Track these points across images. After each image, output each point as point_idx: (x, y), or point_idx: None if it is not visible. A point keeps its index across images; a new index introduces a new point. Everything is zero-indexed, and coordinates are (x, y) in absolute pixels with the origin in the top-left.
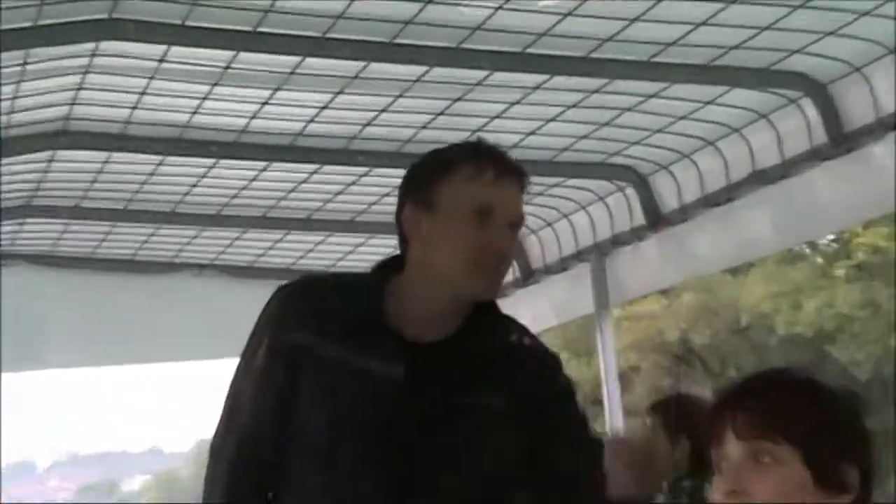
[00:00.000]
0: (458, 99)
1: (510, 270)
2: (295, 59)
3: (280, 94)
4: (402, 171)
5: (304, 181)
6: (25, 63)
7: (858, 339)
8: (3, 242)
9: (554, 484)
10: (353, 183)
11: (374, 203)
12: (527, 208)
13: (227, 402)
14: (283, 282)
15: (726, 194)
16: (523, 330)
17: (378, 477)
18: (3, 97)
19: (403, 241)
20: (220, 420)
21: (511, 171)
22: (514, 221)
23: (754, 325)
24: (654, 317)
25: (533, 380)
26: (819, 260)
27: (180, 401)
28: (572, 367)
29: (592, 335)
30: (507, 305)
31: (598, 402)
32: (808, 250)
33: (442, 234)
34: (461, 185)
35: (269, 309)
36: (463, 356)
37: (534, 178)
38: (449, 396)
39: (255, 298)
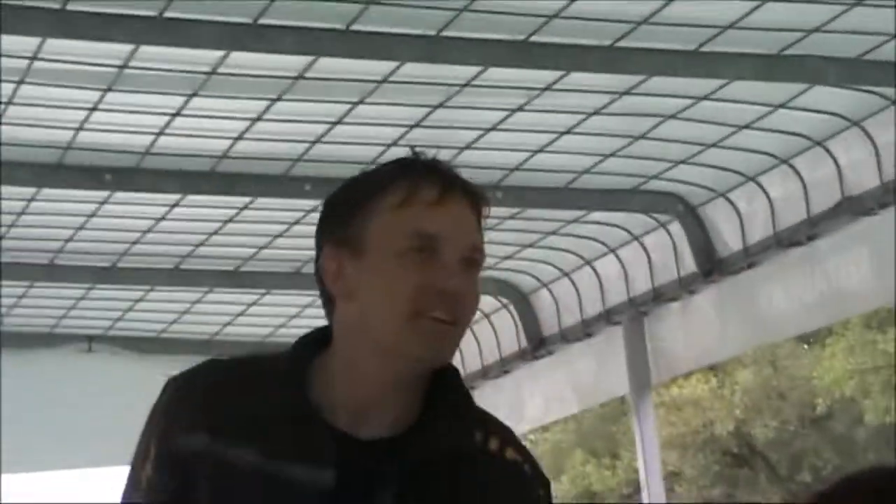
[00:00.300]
0: (440, 105)
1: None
2: None
3: None
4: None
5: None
6: None
7: None
8: None
9: None
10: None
11: None
12: (533, 253)
13: None
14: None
15: (807, 230)
16: (496, 429)
17: None
18: None
19: (328, 303)
20: None
21: (460, 190)
22: (469, 256)
23: (836, 413)
24: (700, 404)
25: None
26: None
27: None
28: (590, 472)
29: (616, 428)
30: (508, 387)
31: None
32: None
33: (371, 280)
34: (392, 212)
35: (158, 406)
36: (407, 459)
37: (542, 212)
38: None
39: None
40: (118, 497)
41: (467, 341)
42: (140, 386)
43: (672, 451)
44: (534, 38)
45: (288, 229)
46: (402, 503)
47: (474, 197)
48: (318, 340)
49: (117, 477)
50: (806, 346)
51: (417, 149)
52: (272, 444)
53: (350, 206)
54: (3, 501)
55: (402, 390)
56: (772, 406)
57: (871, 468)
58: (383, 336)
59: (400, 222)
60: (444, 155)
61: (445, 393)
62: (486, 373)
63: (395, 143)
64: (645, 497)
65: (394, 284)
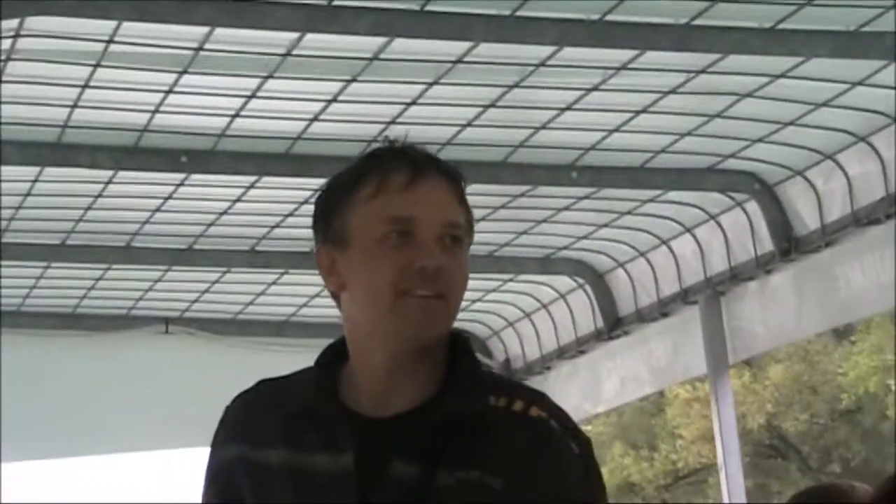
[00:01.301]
0: (515, 86)
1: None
2: None
3: None
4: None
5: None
6: None
7: None
8: None
9: None
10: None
11: None
12: (609, 232)
13: None
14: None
15: (885, 209)
16: (522, 393)
17: None
18: None
19: (336, 300)
20: None
21: (430, 171)
22: (447, 233)
23: (865, 407)
24: (734, 398)
25: (541, 458)
26: None
27: None
28: (629, 464)
29: (655, 421)
30: (585, 366)
31: None
32: None
33: (357, 270)
34: (368, 203)
35: (216, 431)
36: (424, 428)
37: (618, 192)
38: (415, 475)
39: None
40: (195, 479)
41: (543, 321)
42: (216, 367)
43: (706, 446)
44: (609, 18)
45: None
46: (424, 472)
47: (448, 175)
48: (337, 347)
49: (193, 458)
50: (837, 342)
51: (391, 137)
52: (297, 441)
53: (331, 203)
54: (82, 483)
55: (413, 368)
56: (803, 400)
57: None
58: (374, 320)
59: (375, 211)
60: (519, 135)
61: (462, 364)
62: (561, 353)
63: (470, 124)
64: (723, 477)
65: (376, 270)
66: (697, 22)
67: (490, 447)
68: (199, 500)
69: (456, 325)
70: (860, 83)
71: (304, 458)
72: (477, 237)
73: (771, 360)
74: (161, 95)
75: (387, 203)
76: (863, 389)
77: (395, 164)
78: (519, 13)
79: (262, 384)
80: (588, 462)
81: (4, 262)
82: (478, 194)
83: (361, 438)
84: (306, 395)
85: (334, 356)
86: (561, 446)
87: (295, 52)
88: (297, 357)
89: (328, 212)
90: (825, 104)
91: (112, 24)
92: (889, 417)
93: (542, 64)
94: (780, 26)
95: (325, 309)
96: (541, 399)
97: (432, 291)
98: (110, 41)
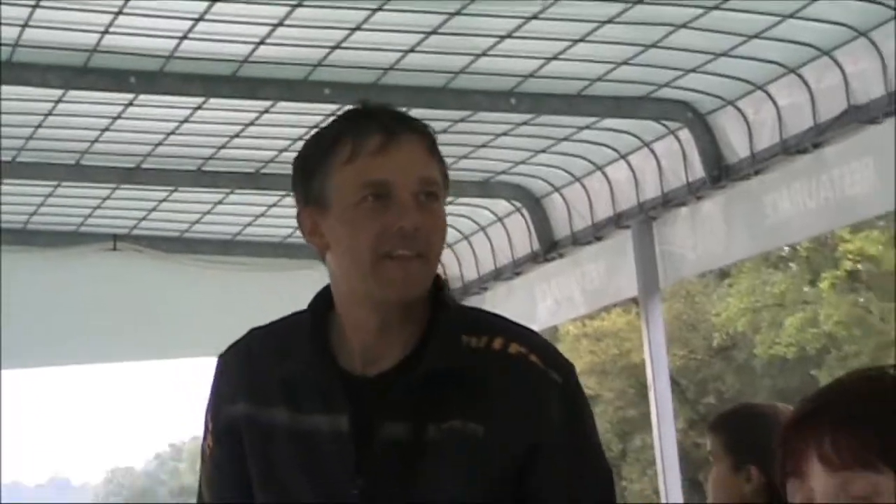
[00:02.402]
0: (457, 13)
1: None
2: None
3: None
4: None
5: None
6: None
7: (847, 362)
8: None
9: None
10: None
11: None
12: (548, 158)
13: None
14: (227, 258)
15: (813, 138)
16: (501, 331)
17: None
18: None
19: (321, 257)
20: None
21: (403, 131)
22: (422, 190)
23: (738, 344)
24: (619, 335)
25: (521, 399)
26: (792, 266)
27: (90, 419)
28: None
29: (563, 345)
30: (520, 288)
31: None
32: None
33: (338, 232)
34: (344, 166)
35: (211, 384)
36: (417, 377)
37: (555, 118)
38: (404, 432)
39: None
40: (137, 392)
41: (481, 243)
42: (163, 283)
43: (592, 378)
44: None
45: (307, 133)
46: (413, 428)
47: (417, 132)
48: (328, 296)
49: (139, 371)
50: (717, 284)
51: (364, 99)
52: (298, 403)
53: (309, 167)
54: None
55: (398, 326)
56: (682, 337)
57: (866, 371)
58: (357, 281)
59: (351, 176)
60: (461, 61)
61: (441, 316)
62: (498, 274)
63: (412, 50)
64: (651, 396)
65: (356, 233)
66: None
67: (471, 395)
68: (202, 440)
69: None
70: (791, 16)
71: (304, 419)
72: None
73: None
74: (110, 17)
75: (362, 167)
76: (734, 329)
77: (367, 127)
78: None
79: (254, 333)
80: (572, 390)
81: None
82: (419, 119)
83: (353, 399)
84: (301, 352)
85: (323, 304)
86: (541, 383)
87: None
88: (243, 276)
89: (307, 174)
90: (757, 36)
91: None
92: (757, 355)
93: None
94: None
95: (270, 228)
96: (520, 334)
97: (411, 251)
98: None
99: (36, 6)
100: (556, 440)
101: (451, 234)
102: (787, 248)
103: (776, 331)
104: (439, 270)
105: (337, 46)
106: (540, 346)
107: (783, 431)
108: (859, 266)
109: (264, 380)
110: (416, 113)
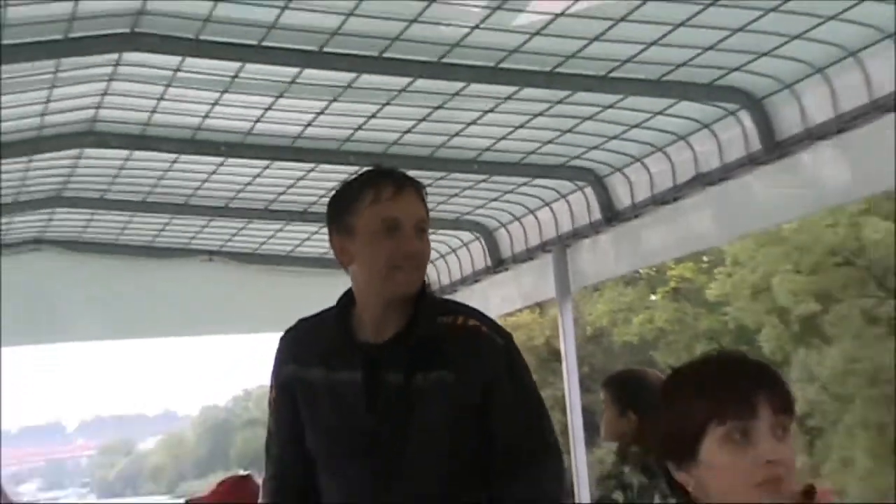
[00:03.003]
0: (439, 107)
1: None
2: (295, 70)
3: (281, 101)
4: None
5: (301, 178)
6: (57, 71)
7: (672, 346)
8: (35, 230)
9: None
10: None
11: None
12: (498, 205)
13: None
14: (283, 267)
15: (673, 194)
16: (463, 312)
17: (362, 467)
18: (37, 101)
19: (345, 268)
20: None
21: (407, 185)
22: (419, 225)
23: (605, 335)
24: (528, 326)
25: (477, 354)
26: (640, 284)
27: (190, 371)
28: None
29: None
30: (479, 290)
31: None
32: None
33: (363, 251)
34: (368, 208)
35: (275, 353)
36: (409, 342)
37: (503, 179)
38: (401, 380)
39: (256, 282)
40: (232, 354)
41: (452, 260)
42: (241, 285)
43: None
44: (502, 65)
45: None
46: (407, 375)
47: (416, 187)
48: (350, 294)
49: (226, 341)
50: (594, 294)
51: (377, 163)
52: (330, 363)
53: (342, 207)
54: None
55: (397, 310)
56: None
57: (729, 351)
58: (374, 285)
59: (373, 213)
60: (439, 140)
61: (424, 304)
62: (463, 281)
63: (408, 132)
64: (564, 366)
65: (375, 254)
66: None
67: (444, 353)
68: (269, 392)
69: None
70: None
71: (335, 375)
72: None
73: (552, 304)
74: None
75: (381, 208)
76: (601, 323)
77: (384, 181)
78: None
79: (301, 322)
80: (511, 348)
81: None
82: (414, 177)
83: (367, 359)
84: (333, 330)
85: (346, 299)
86: (491, 344)
87: None
88: (292, 280)
89: (339, 212)
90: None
91: None
92: (615, 341)
93: None
94: None
95: (315, 249)
96: (475, 314)
97: (412, 266)
98: None
99: None
100: (502, 380)
101: (432, 254)
102: (640, 271)
103: (627, 326)
104: (425, 277)
105: (359, 128)
106: (489, 321)
107: (718, 385)
108: (680, 284)
109: (307, 350)
110: (411, 173)
